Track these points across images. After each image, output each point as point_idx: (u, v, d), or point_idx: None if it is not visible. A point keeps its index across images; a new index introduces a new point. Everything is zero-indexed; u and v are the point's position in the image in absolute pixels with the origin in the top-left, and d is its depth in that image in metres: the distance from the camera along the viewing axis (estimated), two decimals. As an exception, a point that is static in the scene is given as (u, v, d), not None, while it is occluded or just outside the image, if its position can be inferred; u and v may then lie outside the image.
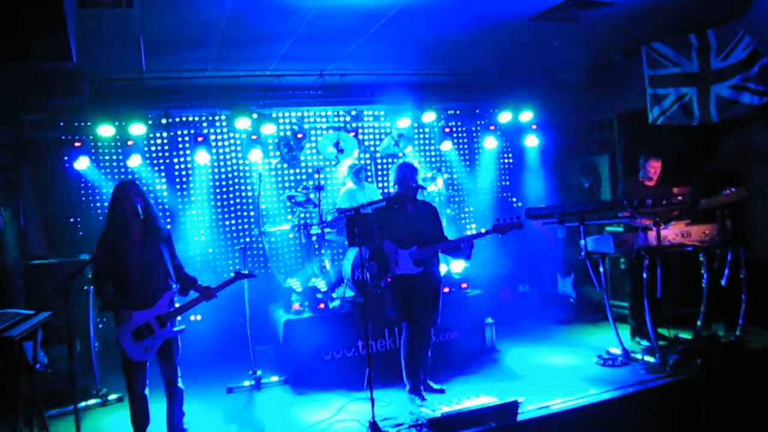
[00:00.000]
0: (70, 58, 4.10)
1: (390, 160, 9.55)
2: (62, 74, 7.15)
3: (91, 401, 6.61)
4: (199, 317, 8.29)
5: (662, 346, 6.71)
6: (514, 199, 10.80)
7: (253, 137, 8.42)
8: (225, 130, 9.07)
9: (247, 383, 6.93)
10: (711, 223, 6.73)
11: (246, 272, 5.50)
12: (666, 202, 6.44)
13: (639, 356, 6.74)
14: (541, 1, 6.29)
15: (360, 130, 9.44)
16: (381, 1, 5.92)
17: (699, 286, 6.95)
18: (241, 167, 9.17)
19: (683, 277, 7.68)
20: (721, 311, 7.09)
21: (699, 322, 6.97)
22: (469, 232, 9.91)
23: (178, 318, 5.16)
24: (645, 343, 7.13)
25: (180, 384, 5.16)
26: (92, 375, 6.73)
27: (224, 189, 9.13)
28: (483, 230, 6.03)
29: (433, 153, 10.30)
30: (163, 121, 8.37)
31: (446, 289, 7.41)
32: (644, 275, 6.49)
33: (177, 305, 5.17)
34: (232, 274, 5.44)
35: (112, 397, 6.66)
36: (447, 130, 9.55)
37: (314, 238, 7.88)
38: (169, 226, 8.11)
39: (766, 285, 7.02)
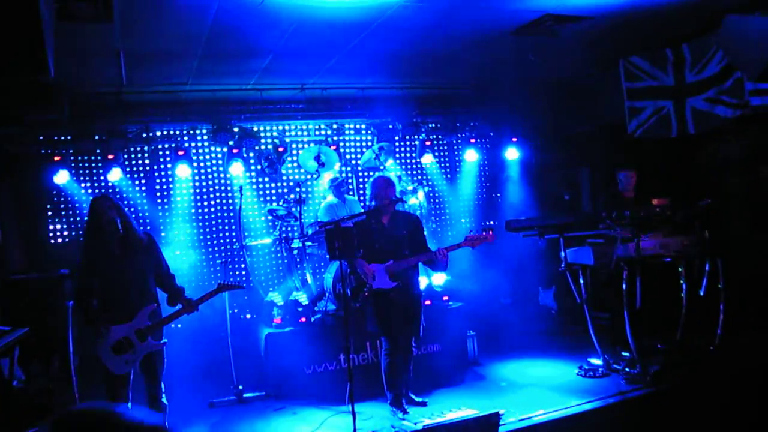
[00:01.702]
0: (48, 72, 4.08)
1: (371, 173, 9.56)
2: (41, 88, 7.11)
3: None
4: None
5: (642, 356, 6.74)
6: (491, 216, 10.85)
7: (234, 151, 8.41)
8: (206, 143, 9.04)
9: (228, 398, 6.88)
10: (689, 234, 6.80)
11: (230, 283, 5.49)
12: (644, 213, 6.51)
13: (619, 367, 6.78)
14: (520, 16, 6.36)
15: (341, 144, 9.47)
16: (361, 16, 5.96)
17: (678, 297, 7.01)
18: (222, 181, 9.15)
19: (662, 288, 7.75)
20: (700, 321, 7.15)
21: (678, 333, 7.03)
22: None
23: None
24: (625, 353, 7.17)
25: (164, 400, 5.12)
26: (71, 391, 6.65)
27: (205, 203, 9.09)
28: (455, 243, 6.05)
29: (414, 166, 10.33)
30: (144, 135, 8.34)
31: (428, 302, 7.42)
32: (624, 286, 6.54)
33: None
34: (216, 286, 5.42)
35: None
36: (428, 143, 9.58)
37: (295, 252, 7.87)
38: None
39: (744, 295, 7.10)
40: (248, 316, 8.51)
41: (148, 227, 8.60)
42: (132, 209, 8.46)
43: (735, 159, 8.09)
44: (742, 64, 6.09)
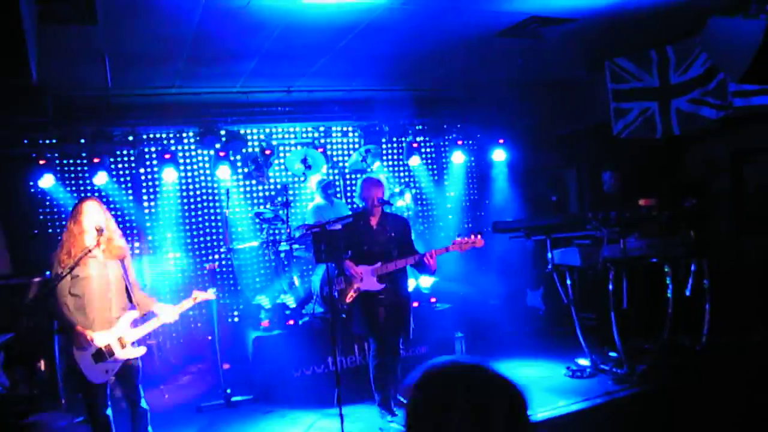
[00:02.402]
0: (30, 74, 4.05)
1: (358, 175, 9.53)
2: (25, 91, 7.05)
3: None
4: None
5: (629, 356, 6.77)
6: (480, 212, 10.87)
7: (221, 154, 8.38)
8: (193, 147, 9.02)
9: (217, 402, 6.85)
10: (675, 235, 6.83)
11: (205, 293, 5.41)
12: (630, 214, 6.53)
13: (607, 367, 6.80)
14: (505, 18, 6.38)
15: (328, 146, 9.46)
16: (347, 18, 5.96)
17: (664, 297, 7.04)
18: (209, 184, 9.12)
19: (649, 289, 7.79)
20: (686, 321, 7.19)
21: (665, 333, 7.06)
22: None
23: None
24: (612, 354, 7.19)
25: (143, 404, 5.05)
26: (57, 397, 6.59)
27: (192, 206, 9.05)
28: (444, 247, 6.03)
29: (401, 168, 10.33)
30: (130, 138, 8.31)
31: (415, 304, 7.41)
32: (610, 287, 6.56)
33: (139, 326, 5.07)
34: (193, 296, 5.34)
35: (78, 419, 6.52)
36: (415, 145, 9.59)
37: (283, 255, 7.85)
38: (138, 246, 8.15)
39: (730, 295, 7.14)
40: (236, 319, 8.50)
41: (135, 231, 8.56)
42: (118, 213, 8.40)
43: (719, 159, 8.15)
44: (725, 65, 6.11)
